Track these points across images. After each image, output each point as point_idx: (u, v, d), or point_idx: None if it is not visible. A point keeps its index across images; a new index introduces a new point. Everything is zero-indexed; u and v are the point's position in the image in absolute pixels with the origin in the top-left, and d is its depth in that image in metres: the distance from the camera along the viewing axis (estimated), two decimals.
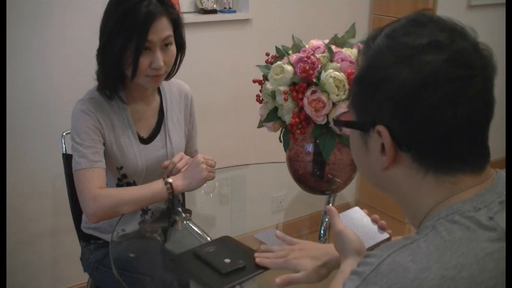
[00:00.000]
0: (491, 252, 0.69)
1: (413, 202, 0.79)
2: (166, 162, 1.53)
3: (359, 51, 0.82)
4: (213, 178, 1.51)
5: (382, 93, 0.75)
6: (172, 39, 1.49)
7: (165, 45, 1.47)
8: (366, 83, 0.78)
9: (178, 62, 1.58)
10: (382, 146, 0.77)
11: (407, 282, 0.67)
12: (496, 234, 0.71)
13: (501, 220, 0.72)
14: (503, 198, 0.75)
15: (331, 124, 1.30)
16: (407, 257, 0.69)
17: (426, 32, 0.74)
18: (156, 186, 1.46)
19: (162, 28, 1.44)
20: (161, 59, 1.46)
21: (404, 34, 0.75)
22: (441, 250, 0.69)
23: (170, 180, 1.46)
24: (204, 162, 1.48)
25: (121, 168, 1.57)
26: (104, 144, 1.53)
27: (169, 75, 1.59)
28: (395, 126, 0.75)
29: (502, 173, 0.80)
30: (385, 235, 1.09)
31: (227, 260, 1.23)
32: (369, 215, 1.14)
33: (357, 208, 1.15)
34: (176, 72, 1.61)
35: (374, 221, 1.13)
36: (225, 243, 1.34)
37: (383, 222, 1.13)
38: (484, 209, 0.73)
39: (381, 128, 0.76)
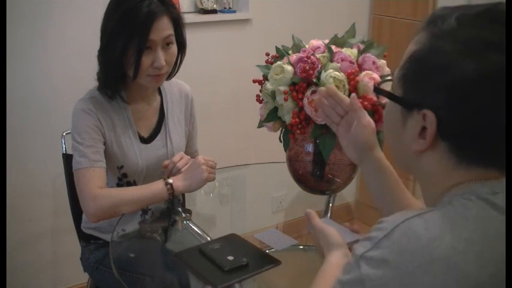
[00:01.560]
0: (503, 233, 0.69)
1: (436, 182, 0.79)
2: (166, 162, 1.53)
3: (422, 26, 0.78)
4: (213, 179, 1.51)
5: (441, 79, 0.73)
6: (173, 38, 1.49)
7: (167, 44, 1.47)
8: (425, 64, 0.76)
9: (179, 61, 1.58)
10: (422, 128, 0.76)
11: (417, 249, 0.68)
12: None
13: None
14: None
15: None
16: (420, 225, 0.70)
17: (498, 29, 0.72)
18: (157, 187, 1.46)
19: (163, 27, 1.45)
20: (163, 58, 1.46)
21: (476, 25, 0.73)
22: (455, 223, 0.70)
23: (171, 180, 1.46)
24: (205, 164, 1.48)
25: (121, 167, 1.57)
26: (105, 143, 1.53)
27: (170, 75, 1.59)
28: (443, 114, 0.74)
29: None
30: (359, 236, 1.13)
31: (230, 257, 1.24)
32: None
33: (325, 218, 1.20)
34: (177, 72, 1.61)
35: (345, 227, 1.18)
36: (231, 240, 1.35)
37: (355, 226, 1.18)
38: (501, 193, 0.73)
39: (428, 112, 0.74)
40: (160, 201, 1.50)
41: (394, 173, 1.11)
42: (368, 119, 1.11)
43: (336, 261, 0.97)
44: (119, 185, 1.60)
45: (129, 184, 1.60)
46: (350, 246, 1.04)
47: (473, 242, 0.68)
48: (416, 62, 0.77)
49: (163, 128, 1.65)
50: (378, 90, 0.92)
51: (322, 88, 1.18)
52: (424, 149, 0.77)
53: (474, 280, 0.66)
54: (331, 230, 1.04)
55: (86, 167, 1.46)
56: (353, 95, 1.14)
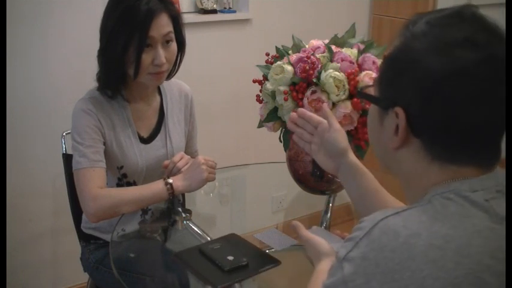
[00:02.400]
0: (480, 230, 0.71)
1: (416, 183, 0.81)
2: (166, 162, 1.53)
3: (398, 33, 0.82)
4: (213, 179, 1.51)
5: (408, 76, 0.76)
6: (173, 36, 1.49)
7: (166, 41, 1.48)
8: (394, 63, 0.79)
9: (178, 60, 1.58)
10: (397, 126, 0.78)
11: (397, 245, 0.69)
12: (488, 215, 0.72)
13: (495, 205, 0.74)
14: (501, 188, 0.76)
15: None
16: (399, 223, 0.72)
17: (466, 27, 0.74)
18: (156, 187, 1.46)
19: (163, 24, 1.45)
20: (163, 55, 1.46)
21: (443, 24, 0.75)
22: (433, 220, 0.71)
23: (170, 180, 1.46)
24: (205, 164, 1.48)
25: (121, 167, 1.57)
26: (104, 143, 1.53)
27: (170, 74, 1.59)
28: (413, 111, 0.76)
29: (503, 169, 0.81)
30: None
31: (230, 257, 1.24)
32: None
33: (315, 227, 1.21)
34: (177, 71, 1.61)
35: (336, 234, 1.17)
36: (231, 240, 1.34)
37: (346, 234, 1.16)
38: (480, 192, 0.74)
39: (399, 110, 0.77)
40: (160, 201, 1.50)
41: (371, 174, 1.13)
42: (339, 125, 1.14)
43: (325, 269, 0.97)
44: (118, 186, 1.60)
45: (129, 184, 1.60)
46: None
47: (451, 238, 0.69)
48: (387, 62, 0.81)
49: (163, 128, 1.65)
50: (359, 93, 0.95)
51: (293, 113, 1.19)
52: (397, 146, 0.79)
53: (451, 275, 0.67)
54: (319, 239, 1.05)
55: (86, 167, 1.46)
56: (324, 104, 1.18)
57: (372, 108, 0.86)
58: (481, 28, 0.74)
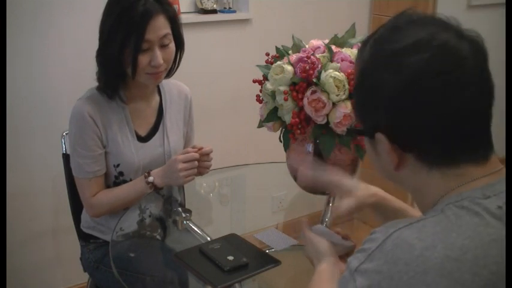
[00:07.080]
0: (496, 239, 0.69)
1: (423, 193, 0.80)
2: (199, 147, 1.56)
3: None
4: (192, 180, 1.53)
5: (372, 100, 0.77)
6: (170, 37, 1.49)
7: (164, 43, 1.48)
8: (359, 91, 0.80)
9: (178, 59, 1.58)
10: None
11: (412, 258, 0.68)
12: (501, 223, 0.71)
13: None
14: None
15: (331, 124, 1.30)
16: (413, 234, 0.70)
17: (406, 35, 0.75)
18: (140, 186, 1.54)
19: (159, 26, 1.45)
20: (160, 57, 1.46)
21: (387, 40, 0.76)
22: (448, 231, 0.70)
23: (151, 179, 1.52)
24: (182, 168, 1.48)
25: (118, 165, 1.58)
26: (104, 146, 1.54)
27: (169, 73, 1.59)
28: (390, 131, 0.76)
29: None
30: (350, 243, 1.11)
31: (230, 257, 1.24)
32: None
33: (319, 225, 1.20)
34: (176, 69, 1.61)
35: (337, 233, 1.14)
36: (231, 240, 1.35)
37: (346, 233, 1.15)
38: (493, 197, 0.73)
39: (378, 135, 0.77)
40: (145, 194, 1.56)
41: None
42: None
43: (326, 269, 0.97)
44: (115, 183, 1.61)
45: (125, 183, 1.60)
46: (342, 254, 1.04)
47: (467, 249, 0.68)
48: (355, 92, 0.82)
49: (161, 127, 1.65)
50: (350, 131, 0.98)
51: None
52: (395, 166, 0.79)
53: (469, 287, 0.66)
54: (319, 239, 1.04)
55: (81, 178, 1.55)
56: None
57: (365, 140, 0.86)
58: (419, 27, 0.75)
